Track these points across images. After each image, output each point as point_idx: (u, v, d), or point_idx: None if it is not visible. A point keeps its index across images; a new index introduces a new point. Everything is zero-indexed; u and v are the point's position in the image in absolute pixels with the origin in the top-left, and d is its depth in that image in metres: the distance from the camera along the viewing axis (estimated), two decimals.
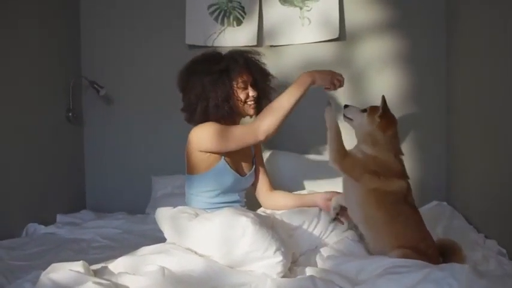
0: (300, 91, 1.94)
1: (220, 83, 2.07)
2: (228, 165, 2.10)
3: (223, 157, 2.09)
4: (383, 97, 1.89)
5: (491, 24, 2.14)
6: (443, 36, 2.84)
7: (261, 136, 1.94)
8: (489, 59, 2.17)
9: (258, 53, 2.27)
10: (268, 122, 1.93)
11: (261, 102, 2.21)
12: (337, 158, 1.87)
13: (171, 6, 3.12)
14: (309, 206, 2.14)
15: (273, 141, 2.94)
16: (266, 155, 2.87)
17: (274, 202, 2.26)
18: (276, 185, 2.39)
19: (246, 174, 2.22)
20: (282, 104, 1.93)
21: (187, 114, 2.18)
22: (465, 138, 2.56)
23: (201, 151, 2.06)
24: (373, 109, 1.93)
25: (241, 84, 2.13)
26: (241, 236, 1.69)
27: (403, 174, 1.90)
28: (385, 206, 1.80)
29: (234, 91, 2.11)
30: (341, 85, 2.02)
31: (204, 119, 2.10)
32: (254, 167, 2.29)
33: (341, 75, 2.02)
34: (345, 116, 2.00)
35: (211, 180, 2.09)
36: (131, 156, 3.23)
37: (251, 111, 2.18)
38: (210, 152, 2.06)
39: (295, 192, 2.32)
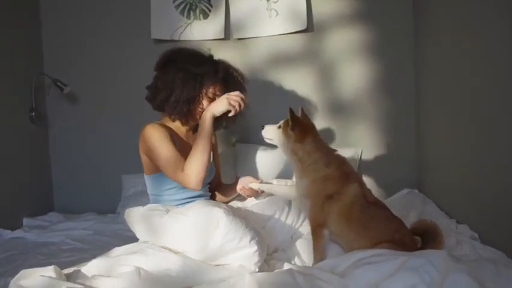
0: (206, 130, 1.98)
1: (190, 84, 2.02)
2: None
3: None
4: (290, 109, 1.88)
5: (459, 14, 2.17)
6: (411, 26, 2.87)
7: (198, 186, 1.96)
8: (457, 48, 2.20)
9: (242, 75, 2.22)
10: (196, 172, 1.93)
11: (224, 118, 2.15)
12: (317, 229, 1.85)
13: (136, 0, 3.05)
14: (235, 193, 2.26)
15: (239, 134, 2.94)
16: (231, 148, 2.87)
17: (220, 193, 2.32)
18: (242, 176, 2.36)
19: None
20: (201, 149, 1.96)
21: (149, 94, 2.13)
22: (434, 126, 2.60)
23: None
24: (286, 123, 1.92)
25: (210, 95, 2.07)
26: (216, 227, 1.68)
27: (349, 174, 1.89)
28: (354, 219, 1.79)
29: (200, 98, 2.06)
30: (240, 104, 2.01)
31: (161, 107, 2.08)
32: (212, 162, 2.25)
33: (237, 94, 2.02)
34: (264, 137, 2.01)
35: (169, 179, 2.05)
36: (99, 155, 3.15)
37: None
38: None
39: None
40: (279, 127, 1.95)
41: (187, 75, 2.03)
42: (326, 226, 1.82)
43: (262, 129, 2.02)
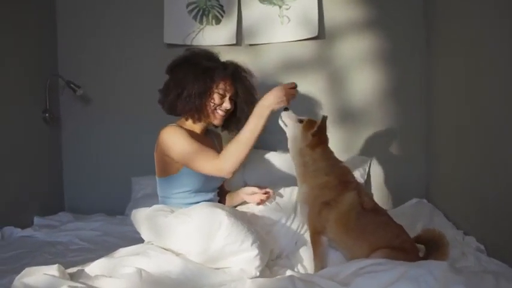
0: (261, 123, 1.91)
1: (201, 78, 2.05)
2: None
3: None
4: (324, 118, 1.90)
5: (470, 23, 2.16)
6: (422, 34, 2.86)
7: (228, 175, 1.95)
8: (467, 58, 2.18)
9: (252, 75, 2.25)
10: (233, 160, 1.91)
11: (235, 120, 2.21)
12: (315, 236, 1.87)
13: (149, 5, 3.08)
14: (238, 202, 2.23)
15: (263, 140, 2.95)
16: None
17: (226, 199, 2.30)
18: (264, 183, 2.33)
19: None
20: (245, 140, 1.91)
21: (161, 96, 2.16)
22: (444, 136, 2.58)
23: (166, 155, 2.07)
24: (309, 123, 1.93)
25: (220, 90, 2.10)
26: (218, 229, 1.70)
27: (348, 183, 1.90)
28: (350, 227, 1.80)
29: (211, 93, 2.09)
30: (294, 96, 1.98)
31: (173, 106, 2.11)
32: None
33: (291, 84, 1.95)
34: (281, 118, 2.00)
35: (182, 181, 2.07)
36: (110, 156, 3.19)
37: (216, 122, 2.15)
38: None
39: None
40: (300, 122, 1.95)
41: (198, 69, 2.06)
42: (324, 233, 1.83)
43: (285, 110, 1.98)
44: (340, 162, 1.97)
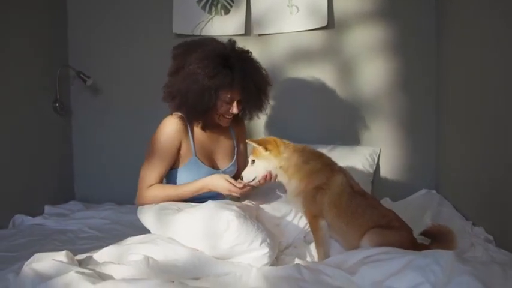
0: (194, 192, 2.01)
1: (206, 96, 1.97)
2: (199, 161, 2.09)
3: (194, 153, 2.09)
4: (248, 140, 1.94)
5: (482, 13, 2.13)
6: (433, 25, 2.83)
7: (138, 203, 2.08)
8: (480, 47, 2.15)
9: (264, 79, 2.14)
10: (150, 202, 2.03)
11: (248, 107, 2.16)
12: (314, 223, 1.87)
13: None
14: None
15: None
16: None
17: None
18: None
19: (225, 167, 2.19)
20: (175, 197, 2.00)
21: (166, 96, 2.10)
22: (454, 127, 2.56)
23: None
24: (255, 154, 1.91)
25: (227, 99, 2.03)
26: (225, 229, 1.68)
27: (331, 165, 1.92)
28: (342, 209, 1.82)
29: (217, 106, 2.04)
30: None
31: (177, 110, 2.08)
32: (235, 158, 2.26)
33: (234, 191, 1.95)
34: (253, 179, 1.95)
35: (186, 176, 2.07)
36: (120, 146, 3.21)
37: (224, 124, 2.14)
38: None
39: None
40: (253, 162, 1.93)
41: (202, 88, 1.96)
42: (322, 216, 1.84)
43: (247, 180, 1.94)
44: (305, 147, 1.96)
